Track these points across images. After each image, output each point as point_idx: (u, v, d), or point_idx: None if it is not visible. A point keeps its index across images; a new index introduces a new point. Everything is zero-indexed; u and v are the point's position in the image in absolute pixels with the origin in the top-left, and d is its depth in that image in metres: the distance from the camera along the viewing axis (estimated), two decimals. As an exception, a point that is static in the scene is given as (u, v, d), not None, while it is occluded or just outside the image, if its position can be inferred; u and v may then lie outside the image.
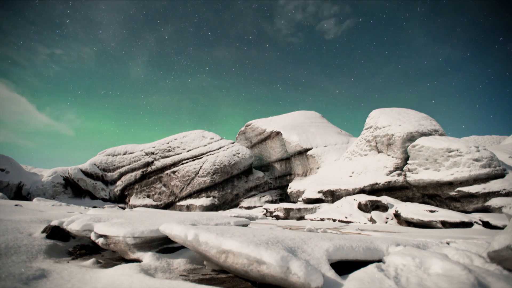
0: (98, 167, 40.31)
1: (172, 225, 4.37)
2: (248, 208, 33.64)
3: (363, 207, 20.55)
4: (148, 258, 4.73)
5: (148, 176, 39.71)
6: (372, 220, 18.56)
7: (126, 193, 39.67)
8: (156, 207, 36.17)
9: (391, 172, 23.12)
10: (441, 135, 22.89)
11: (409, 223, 17.02)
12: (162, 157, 40.42)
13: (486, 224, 14.98)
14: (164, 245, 5.45)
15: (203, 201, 34.20)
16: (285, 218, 24.12)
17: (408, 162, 22.18)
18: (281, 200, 37.21)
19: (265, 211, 26.48)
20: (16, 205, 12.67)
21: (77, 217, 6.23)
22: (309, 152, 34.86)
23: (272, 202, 35.93)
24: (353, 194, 23.84)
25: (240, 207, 34.55)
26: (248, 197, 37.15)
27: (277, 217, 24.36)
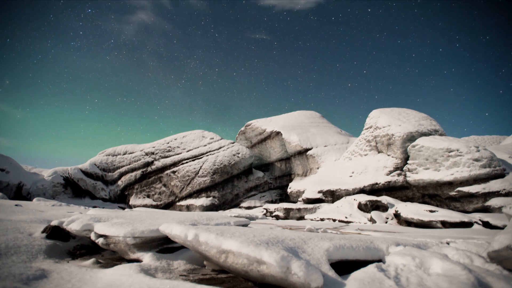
0: (98, 167, 40.31)
1: (172, 225, 4.37)
2: (248, 208, 33.65)
3: (363, 207, 20.54)
4: (148, 258, 4.74)
5: (148, 176, 39.70)
6: (372, 220, 18.56)
7: (126, 193, 39.66)
8: (156, 207, 36.18)
9: (391, 172, 23.12)
10: (441, 135, 22.89)
11: (409, 223, 17.02)
12: (162, 157, 40.41)
13: (486, 224, 14.98)
14: (164, 245, 5.45)
15: (203, 201, 34.21)
16: (285, 218, 24.12)
17: (408, 162, 22.18)
18: (281, 200, 37.20)
19: (265, 211, 26.49)
20: (16, 205, 12.67)
21: (77, 217, 6.23)
22: (309, 152, 34.86)
23: (272, 202, 35.92)
24: (353, 194, 23.84)
25: (240, 207, 34.55)
26: (248, 197, 37.15)
27: (277, 217, 24.36)
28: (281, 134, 38.78)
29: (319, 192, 26.28)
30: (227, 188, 36.60)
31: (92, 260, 4.97)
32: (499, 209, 16.21)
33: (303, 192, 29.22)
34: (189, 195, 36.06)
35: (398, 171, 22.82)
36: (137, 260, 4.93)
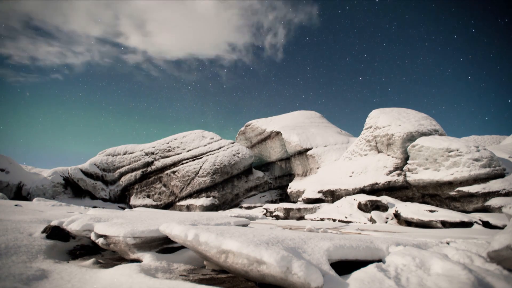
0: (98, 167, 40.31)
1: (172, 225, 4.37)
2: (248, 208, 33.65)
3: (363, 207, 20.54)
4: (148, 258, 4.74)
5: (148, 176, 39.70)
6: (372, 220, 18.56)
7: (126, 193, 39.66)
8: (156, 207, 36.17)
9: (391, 172, 23.12)
10: (441, 135, 22.89)
11: (409, 223, 17.02)
12: (162, 157, 40.41)
13: (486, 224, 14.98)
14: (164, 245, 5.45)
15: (203, 201, 34.21)
16: (285, 218, 24.12)
17: (408, 162, 22.17)
18: (281, 200, 37.20)
19: (265, 211, 26.48)
20: (16, 205, 12.68)
21: (77, 217, 6.24)
22: (309, 152, 34.86)
23: (272, 202, 35.92)
24: (353, 194, 23.83)
25: (240, 207, 34.55)
26: (248, 197, 37.15)
27: (277, 217, 24.36)
28: (281, 134, 38.78)
29: (319, 192, 26.28)
30: (227, 188, 36.59)
31: (92, 260, 4.97)
32: (499, 209, 16.21)
33: (303, 192, 29.22)
34: (189, 195, 36.06)
35: (398, 171, 22.82)
36: (137, 260, 4.93)
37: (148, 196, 38.11)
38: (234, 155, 37.76)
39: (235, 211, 30.20)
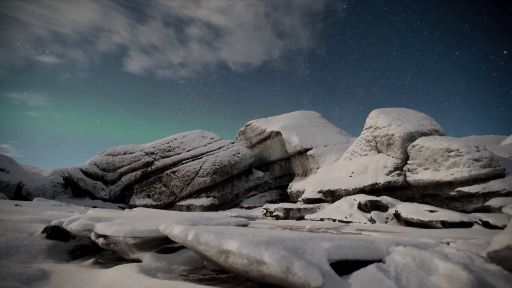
0: (98, 167, 40.31)
1: (172, 225, 4.37)
2: (248, 208, 33.65)
3: (363, 207, 20.54)
4: (148, 258, 4.74)
5: (148, 176, 39.70)
6: (372, 220, 18.56)
7: (126, 193, 39.66)
8: (156, 207, 36.17)
9: (391, 172, 23.11)
10: (441, 135, 22.88)
11: (409, 223, 17.02)
12: (162, 157, 40.41)
13: (486, 224, 14.98)
14: (164, 245, 5.45)
15: (203, 201, 34.20)
16: (285, 218, 24.12)
17: (408, 162, 22.17)
18: (281, 200, 37.20)
19: (265, 211, 26.48)
20: (16, 205, 12.69)
21: (77, 217, 6.24)
22: (309, 152, 34.85)
23: (272, 202, 35.93)
24: (353, 194, 23.83)
25: (240, 207, 34.55)
26: (248, 197, 37.15)
27: (277, 217, 24.36)
28: (281, 134, 38.78)
29: (319, 192, 26.28)
30: (227, 188, 36.59)
31: (92, 260, 4.97)
32: (499, 209, 16.20)
33: (303, 192, 29.22)
34: (189, 195, 36.06)
35: (398, 171, 22.81)
36: (137, 260, 4.93)
37: (148, 196, 38.11)
38: (234, 155, 37.76)
39: (235, 211, 30.20)
